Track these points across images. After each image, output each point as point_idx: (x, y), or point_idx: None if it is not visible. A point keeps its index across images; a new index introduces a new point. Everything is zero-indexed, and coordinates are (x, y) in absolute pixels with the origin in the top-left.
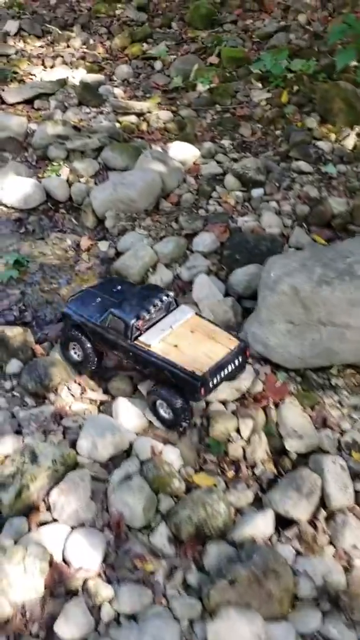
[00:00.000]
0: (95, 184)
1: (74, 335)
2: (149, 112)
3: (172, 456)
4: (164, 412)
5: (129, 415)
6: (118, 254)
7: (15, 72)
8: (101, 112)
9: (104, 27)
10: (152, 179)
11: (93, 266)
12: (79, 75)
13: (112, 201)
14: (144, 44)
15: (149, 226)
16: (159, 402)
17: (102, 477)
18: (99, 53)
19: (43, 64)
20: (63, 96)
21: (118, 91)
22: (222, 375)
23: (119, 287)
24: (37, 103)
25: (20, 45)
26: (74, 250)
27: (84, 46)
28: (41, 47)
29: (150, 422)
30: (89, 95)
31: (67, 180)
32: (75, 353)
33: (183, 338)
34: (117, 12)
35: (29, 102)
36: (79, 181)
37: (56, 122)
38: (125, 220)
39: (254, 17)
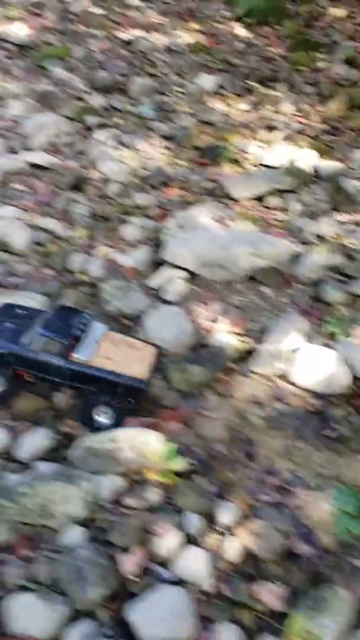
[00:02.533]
0: None
1: None
2: None
3: None
4: (103, 417)
5: None
6: None
7: (226, 148)
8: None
9: (310, 84)
10: None
11: None
12: (306, 158)
13: None
14: None
15: None
16: (97, 408)
17: None
18: (315, 122)
19: (255, 136)
20: (309, 197)
21: None
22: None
23: (24, 312)
24: (270, 200)
25: (222, 107)
26: None
27: (295, 110)
28: (246, 111)
29: None
30: (339, 196)
31: None
32: None
33: (110, 351)
34: (319, 64)
35: (259, 198)
36: None
37: (322, 246)
38: None
39: None
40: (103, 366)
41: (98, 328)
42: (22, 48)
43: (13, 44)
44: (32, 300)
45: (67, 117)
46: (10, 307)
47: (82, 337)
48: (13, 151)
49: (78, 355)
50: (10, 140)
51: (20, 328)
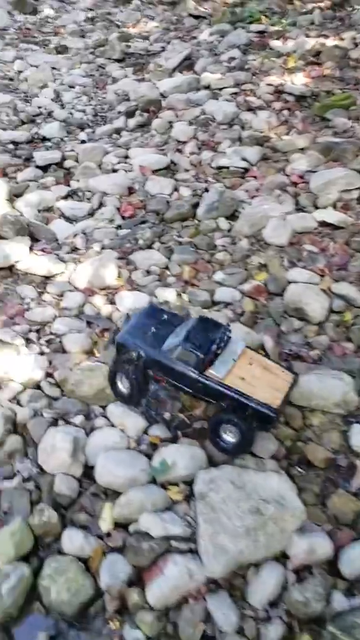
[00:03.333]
0: None
1: (125, 367)
2: None
3: None
4: (228, 436)
5: None
6: None
7: None
8: None
9: None
10: None
11: None
12: None
13: None
14: None
15: None
16: (224, 426)
17: None
18: None
19: None
20: None
21: None
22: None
23: (166, 317)
24: None
25: None
26: None
27: None
28: None
29: None
30: None
31: None
32: (123, 386)
33: (246, 371)
34: None
35: None
36: None
37: None
38: None
39: None
40: (235, 385)
41: (237, 343)
42: (302, 99)
43: (292, 94)
44: (336, 379)
45: (356, 171)
46: (154, 309)
47: (221, 352)
48: (302, 209)
49: (213, 372)
50: (298, 197)
51: (162, 333)
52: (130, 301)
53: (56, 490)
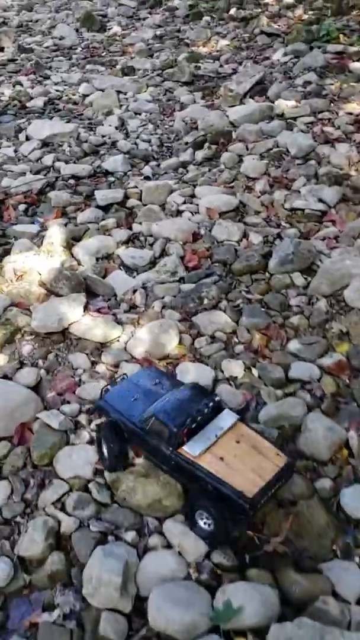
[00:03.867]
0: None
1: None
2: None
3: None
4: (203, 524)
5: None
6: None
7: None
8: None
9: None
10: None
11: None
12: None
13: None
14: None
15: None
16: (199, 512)
17: None
18: None
19: None
20: None
21: None
22: (269, 495)
23: (157, 380)
24: None
25: None
26: None
27: None
28: None
29: None
30: None
31: None
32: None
33: (229, 450)
34: None
35: None
36: None
37: None
38: None
39: None
40: (210, 467)
41: (227, 418)
42: None
43: None
44: None
45: None
46: (154, 372)
47: (204, 426)
48: None
49: (187, 449)
50: None
51: (149, 400)
52: (193, 375)
53: (101, 632)
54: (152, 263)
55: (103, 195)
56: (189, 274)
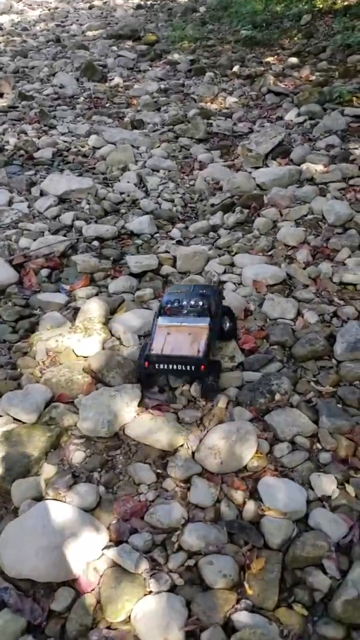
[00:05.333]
0: None
1: None
2: None
3: None
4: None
5: None
6: None
7: None
8: None
9: None
10: None
11: None
12: None
13: None
14: None
15: None
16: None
17: None
18: None
19: None
20: None
21: None
22: None
23: None
24: None
25: None
26: None
27: None
28: None
29: None
30: None
31: None
32: None
33: None
34: None
35: None
36: None
37: None
38: None
39: None
40: None
41: None
42: None
43: None
44: None
45: None
46: None
47: None
48: None
49: None
50: None
51: None
52: (283, 496)
53: None
54: None
55: (137, 262)
56: (247, 358)
